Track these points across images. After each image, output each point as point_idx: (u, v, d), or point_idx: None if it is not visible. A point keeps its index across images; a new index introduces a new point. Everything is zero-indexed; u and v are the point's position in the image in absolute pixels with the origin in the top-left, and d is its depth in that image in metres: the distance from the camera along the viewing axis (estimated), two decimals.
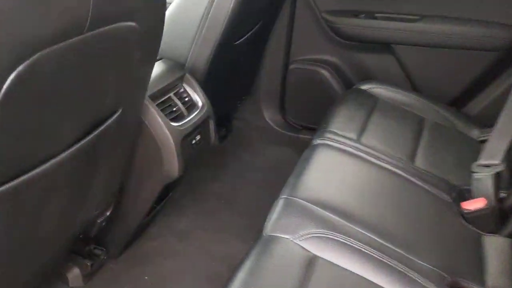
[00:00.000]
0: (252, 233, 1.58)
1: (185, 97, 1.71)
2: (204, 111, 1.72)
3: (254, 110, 2.57)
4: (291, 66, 2.50)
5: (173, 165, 1.55)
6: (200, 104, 1.73)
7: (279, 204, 1.34)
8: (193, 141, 1.66)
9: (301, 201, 1.34)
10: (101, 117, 1.13)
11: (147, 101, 1.49)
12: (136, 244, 1.78)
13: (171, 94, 1.64)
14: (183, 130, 1.59)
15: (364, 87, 2.13)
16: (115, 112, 1.19)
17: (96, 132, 1.11)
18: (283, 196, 1.37)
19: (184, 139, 1.59)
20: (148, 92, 1.51)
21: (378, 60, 2.36)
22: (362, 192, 1.43)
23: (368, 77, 2.36)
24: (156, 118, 1.51)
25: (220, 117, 2.12)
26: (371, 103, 2.03)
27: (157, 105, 1.55)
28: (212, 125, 1.76)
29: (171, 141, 1.51)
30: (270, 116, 2.62)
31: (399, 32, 2.23)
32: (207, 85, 1.80)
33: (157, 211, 1.86)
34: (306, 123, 2.56)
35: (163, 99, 1.60)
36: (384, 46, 2.26)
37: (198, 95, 1.74)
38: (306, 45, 2.39)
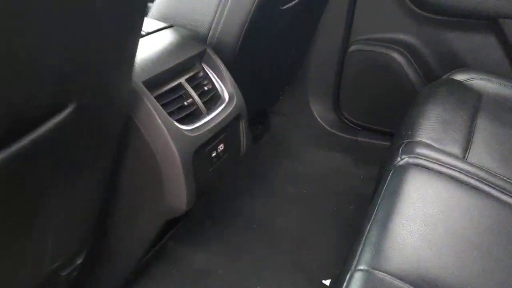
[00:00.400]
0: (297, 274, 1.28)
1: (205, 85, 1.13)
2: (232, 106, 1.14)
3: (300, 104, 2.08)
4: (352, 48, 1.90)
5: (178, 194, 0.98)
6: (226, 95, 1.15)
7: (355, 282, 0.75)
8: (214, 153, 1.08)
9: (390, 278, 0.76)
10: (32, 115, 0.58)
11: (138, 90, 0.92)
12: None
13: (182, 80, 1.07)
14: (198, 137, 1.02)
15: (459, 77, 1.54)
16: (61, 109, 0.63)
17: (23, 142, 0.57)
18: (360, 268, 0.79)
19: (199, 151, 1.02)
20: (142, 76, 0.95)
21: (476, 40, 1.73)
22: (488, 254, 0.88)
23: (461, 65, 1.73)
24: (153, 118, 0.94)
25: (254, 112, 1.55)
26: (473, 101, 1.43)
27: (158, 96, 0.98)
28: (243, 127, 1.18)
29: (176, 155, 0.95)
30: (320, 112, 2.04)
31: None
32: (238, 67, 1.22)
33: (162, 244, 1.31)
34: (368, 122, 2.05)
35: (168, 87, 1.03)
36: (486, 22, 1.68)
37: (224, 82, 1.16)
38: (374, 19, 1.86)
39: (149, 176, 0.98)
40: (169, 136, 0.95)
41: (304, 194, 1.82)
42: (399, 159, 1.12)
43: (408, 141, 1.20)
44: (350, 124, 2.04)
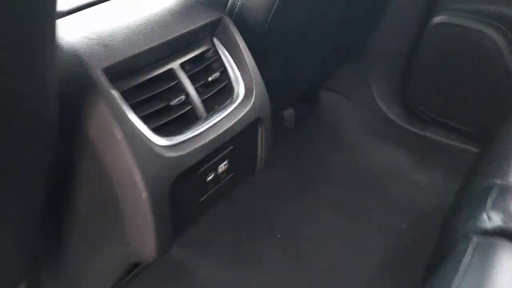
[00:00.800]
0: None
1: (212, 72, 0.77)
2: (249, 106, 0.79)
3: (359, 84, 1.69)
4: (436, 19, 1.43)
5: (144, 240, 0.67)
6: (242, 89, 0.80)
7: None
8: (210, 176, 0.75)
9: None
10: None
11: (93, 82, 0.59)
12: None
13: (175, 65, 0.72)
14: (184, 157, 0.68)
15: None
16: None
17: None
18: None
19: (185, 177, 0.69)
20: (105, 60, 0.61)
21: None
22: None
23: None
24: (109, 128, 0.61)
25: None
26: None
27: (128, 92, 0.65)
28: (263, 136, 0.83)
29: (141, 189, 0.62)
30: (382, 95, 1.65)
31: None
32: (268, 47, 0.85)
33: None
34: (442, 116, 1.64)
35: (147, 77, 0.68)
36: None
37: (242, 68, 0.80)
38: None
39: (106, 209, 0.67)
40: (132, 159, 0.62)
41: (346, 199, 1.46)
42: (485, 218, 0.74)
43: (503, 185, 0.80)
44: (419, 114, 1.62)
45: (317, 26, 1.01)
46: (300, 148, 1.62)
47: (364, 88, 1.62)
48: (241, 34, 0.80)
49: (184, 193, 0.71)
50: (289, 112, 1.66)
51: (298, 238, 1.34)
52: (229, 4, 0.82)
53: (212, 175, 0.75)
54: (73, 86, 0.61)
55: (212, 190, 0.77)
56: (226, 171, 0.78)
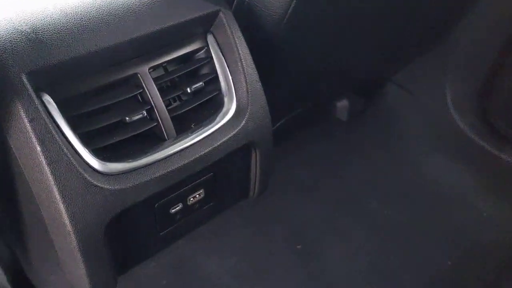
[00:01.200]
0: None
1: (199, 78, 0.62)
2: (238, 126, 0.63)
3: (430, 84, 1.42)
4: None
5: (77, 278, 0.55)
6: (233, 103, 0.63)
7: None
8: (176, 207, 0.61)
9: None
10: None
11: (10, 79, 0.48)
12: None
13: (143, 69, 0.57)
14: (130, 190, 0.54)
15: None
16: None
17: None
18: None
19: (135, 209, 0.55)
20: (35, 61, 0.48)
21: None
22: None
23: None
24: (31, 147, 0.49)
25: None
26: None
27: (71, 99, 0.52)
28: (258, 163, 0.67)
29: (66, 222, 0.50)
30: (457, 100, 1.42)
31: None
32: (293, 41, 0.68)
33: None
34: None
35: (106, 81, 0.55)
36: None
37: (237, 77, 0.63)
38: None
39: (43, 235, 0.56)
40: (56, 189, 0.49)
41: (388, 217, 1.26)
42: None
43: None
44: (498, 130, 1.35)
45: (361, 15, 0.79)
46: (347, 146, 1.42)
47: (436, 88, 1.37)
48: (254, 30, 0.63)
49: (136, 226, 0.58)
50: (342, 103, 1.47)
51: (318, 252, 1.18)
52: None
53: (179, 206, 0.61)
54: None
55: (180, 222, 0.63)
56: (202, 201, 0.64)
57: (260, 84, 0.63)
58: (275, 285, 1.11)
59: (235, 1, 0.66)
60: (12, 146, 0.50)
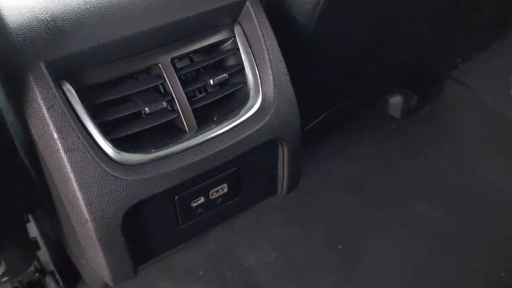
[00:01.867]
0: None
1: (226, 69, 0.60)
2: (264, 120, 0.60)
3: (499, 81, 1.29)
4: None
5: (97, 264, 0.56)
6: (259, 97, 0.61)
7: None
8: (198, 201, 0.60)
9: None
10: None
11: (29, 78, 0.48)
12: None
13: (163, 61, 0.56)
14: (148, 182, 0.53)
15: None
16: None
17: None
18: None
19: (154, 201, 0.55)
20: (52, 51, 0.49)
21: None
22: None
23: None
24: (49, 137, 0.49)
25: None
26: None
27: (90, 88, 0.52)
28: (286, 158, 0.64)
29: (83, 210, 0.50)
30: None
31: None
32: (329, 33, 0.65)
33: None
34: None
35: (127, 71, 0.54)
36: None
37: (264, 69, 0.60)
38: None
39: (67, 222, 0.57)
40: (73, 178, 0.50)
41: (436, 221, 1.19)
42: None
43: None
44: None
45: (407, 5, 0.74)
46: (397, 144, 1.36)
47: (501, 86, 1.27)
48: (283, 21, 0.60)
49: (156, 218, 0.58)
50: (395, 99, 1.40)
51: (359, 253, 1.14)
52: None
53: (200, 200, 0.61)
54: (10, 78, 0.50)
55: (203, 216, 0.62)
56: (225, 195, 0.63)
57: (288, 77, 0.61)
58: (311, 284, 1.09)
59: None
60: (33, 133, 0.52)
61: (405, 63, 1.00)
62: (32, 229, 1.04)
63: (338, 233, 1.17)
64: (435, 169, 1.30)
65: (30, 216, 0.98)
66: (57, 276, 1.03)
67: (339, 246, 1.15)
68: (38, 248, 0.99)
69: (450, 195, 1.24)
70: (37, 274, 1.01)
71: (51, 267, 1.05)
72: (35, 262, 1.01)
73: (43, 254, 1.06)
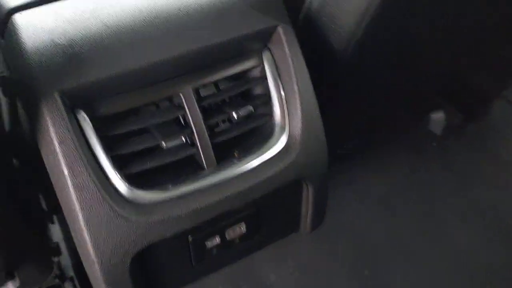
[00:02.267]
0: None
1: (248, 102, 0.56)
2: (286, 163, 0.55)
3: None
4: None
5: None
6: (284, 134, 0.56)
7: None
8: (211, 241, 0.56)
9: None
10: None
11: (43, 108, 0.46)
12: None
13: (185, 91, 0.52)
14: (160, 223, 0.50)
15: None
16: None
17: None
18: None
19: (166, 242, 0.52)
20: (68, 79, 0.46)
21: None
22: None
23: None
24: (58, 170, 0.47)
25: None
26: None
27: (106, 118, 0.49)
28: (312, 196, 0.59)
29: (90, 251, 0.48)
30: None
31: None
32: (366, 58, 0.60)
33: None
34: None
35: (145, 101, 0.51)
36: None
37: (293, 102, 0.55)
38: None
39: None
40: (81, 217, 0.47)
41: (477, 248, 1.11)
42: None
43: None
44: None
45: (448, 26, 0.67)
46: (436, 163, 1.27)
47: None
48: (316, 46, 0.55)
49: (167, 258, 0.55)
50: (437, 116, 1.31)
51: (388, 282, 1.07)
52: (304, 6, 0.57)
53: (216, 241, 0.56)
54: (26, 105, 0.47)
55: (217, 255, 0.58)
56: (243, 235, 0.58)
57: (318, 111, 0.56)
58: None
59: (303, 13, 0.58)
60: (45, 163, 0.49)
61: (448, 79, 0.92)
62: (56, 231, 1.03)
63: (366, 257, 1.11)
64: (473, 191, 1.21)
65: (54, 217, 0.97)
66: (76, 283, 1.02)
67: (365, 272, 1.10)
68: (59, 254, 0.98)
69: (494, 228, 1.15)
70: (56, 280, 1.01)
71: (71, 273, 1.04)
72: (54, 268, 1.00)
73: (64, 258, 1.05)
